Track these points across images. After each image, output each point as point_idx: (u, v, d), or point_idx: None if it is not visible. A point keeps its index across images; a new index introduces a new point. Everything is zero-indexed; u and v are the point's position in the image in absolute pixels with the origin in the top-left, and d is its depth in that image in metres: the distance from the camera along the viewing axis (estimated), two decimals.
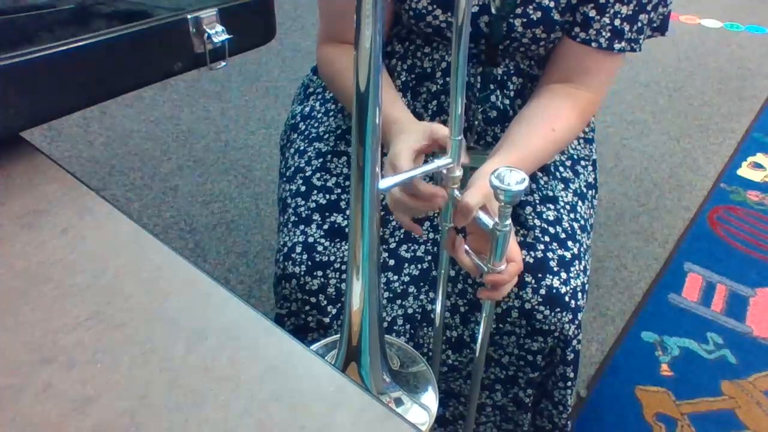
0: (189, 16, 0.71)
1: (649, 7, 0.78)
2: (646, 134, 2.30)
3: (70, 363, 0.46)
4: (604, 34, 0.78)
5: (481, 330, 0.76)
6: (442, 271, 0.75)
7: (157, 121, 2.14)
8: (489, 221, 0.63)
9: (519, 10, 0.77)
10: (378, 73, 0.46)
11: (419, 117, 0.88)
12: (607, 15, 0.77)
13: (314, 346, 0.72)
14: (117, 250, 0.56)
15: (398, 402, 0.65)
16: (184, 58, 0.73)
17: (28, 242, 0.56)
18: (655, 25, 0.82)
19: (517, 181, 0.57)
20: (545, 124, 0.79)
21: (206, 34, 0.73)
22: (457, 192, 0.65)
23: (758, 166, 2.15)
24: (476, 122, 0.87)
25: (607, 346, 1.45)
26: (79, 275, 0.53)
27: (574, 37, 0.80)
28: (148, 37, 0.69)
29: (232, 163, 1.97)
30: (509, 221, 0.61)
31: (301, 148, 0.95)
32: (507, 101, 0.86)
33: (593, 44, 0.79)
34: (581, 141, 0.98)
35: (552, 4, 0.77)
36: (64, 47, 0.61)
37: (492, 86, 0.85)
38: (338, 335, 0.66)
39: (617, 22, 0.77)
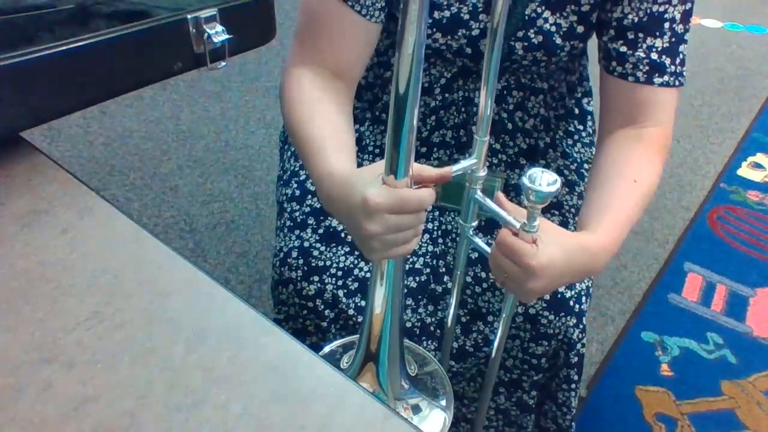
0: (189, 16, 0.71)
1: (686, 36, 0.74)
2: None
3: (70, 363, 0.46)
4: (641, 67, 0.74)
5: (498, 333, 0.74)
6: (458, 272, 0.74)
7: (157, 121, 2.14)
8: (516, 222, 0.60)
9: (520, 33, 0.75)
10: (418, 78, 0.48)
11: (417, 131, 0.87)
12: (641, 49, 0.73)
13: (331, 345, 0.72)
14: (117, 250, 0.56)
15: (416, 409, 0.65)
16: (184, 58, 0.73)
17: (28, 242, 0.56)
18: None
19: (548, 182, 0.56)
20: (624, 179, 0.72)
21: (206, 34, 0.73)
22: (479, 193, 0.65)
23: (758, 166, 2.15)
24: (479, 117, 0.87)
25: (607, 346, 1.45)
26: (79, 275, 0.53)
27: (612, 72, 0.76)
28: (148, 37, 0.69)
29: (232, 163, 1.97)
30: (537, 222, 0.59)
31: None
32: (505, 114, 0.86)
33: (630, 78, 0.74)
34: (584, 145, 0.98)
35: (553, 29, 0.75)
36: (64, 47, 0.61)
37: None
38: (355, 336, 0.66)
39: (654, 55, 0.73)
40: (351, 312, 0.81)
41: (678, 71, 0.75)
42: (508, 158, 0.89)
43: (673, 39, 0.73)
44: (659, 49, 0.73)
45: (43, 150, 0.68)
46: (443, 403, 0.66)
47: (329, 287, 0.82)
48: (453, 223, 0.87)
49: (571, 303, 0.81)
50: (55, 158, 0.67)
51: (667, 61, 0.74)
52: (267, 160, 1.99)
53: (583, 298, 0.83)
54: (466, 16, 0.74)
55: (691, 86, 2.63)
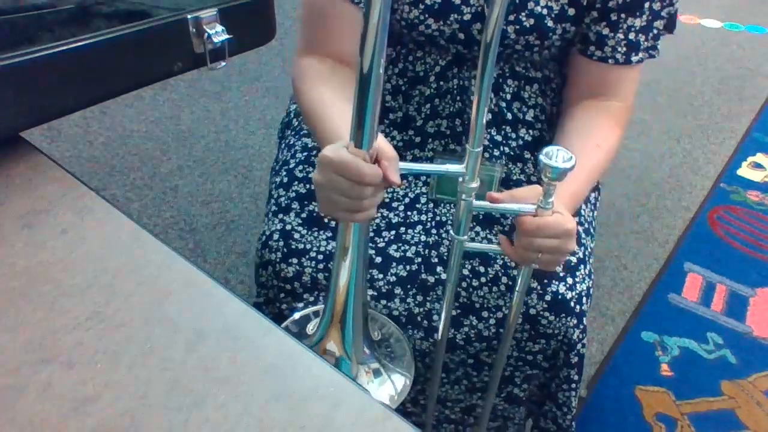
0: (189, 16, 0.71)
1: (663, 13, 0.77)
2: (646, 134, 2.29)
3: (70, 363, 0.46)
4: (619, 49, 0.78)
5: (512, 309, 0.75)
6: (449, 284, 0.74)
7: (157, 121, 2.14)
8: (530, 207, 0.64)
9: (512, 17, 0.76)
10: (381, 54, 0.49)
11: (412, 120, 0.87)
12: (621, 30, 0.77)
13: (296, 314, 0.74)
14: (117, 250, 0.56)
15: (376, 373, 0.67)
16: (184, 58, 0.73)
17: (28, 242, 0.56)
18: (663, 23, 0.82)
19: (564, 159, 0.59)
20: (588, 142, 0.78)
21: (206, 34, 0.73)
22: (475, 201, 0.65)
23: (758, 166, 2.15)
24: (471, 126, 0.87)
25: (607, 346, 1.45)
26: (79, 275, 0.53)
27: (591, 56, 0.80)
28: (148, 37, 0.69)
29: (232, 163, 1.97)
30: (552, 198, 0.62)
31: (291, 142, 0.96)
32: (503, 104, 0.86)
33: (610, 61, 0.79)
34: None
35: (545, 12, 0.76)
36: (64, 47, 0.61)
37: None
38: (321, 306, 0.67)
39: (632, 35, 0.77)
40: None
41: (651, 45, 0.79)
42: (510, 151, 0.88)
43: (650, 17, 0.77)
44: (637, 28, 0.77)
45: (43, 150, 0.68)
46: (404, 366, 0.69)
47: (308, 270, 0.82)
48: (447, 214, 0.86)
49: (572, 303, 0.81)
50: (55, 158, 0.67)
51: (642, 38, 0.78)
52: (267, 160, 1.99)
53: (584, 299, 0.83)
54: (458, 1, 0.75)
55: (691, 86, 2.63)
